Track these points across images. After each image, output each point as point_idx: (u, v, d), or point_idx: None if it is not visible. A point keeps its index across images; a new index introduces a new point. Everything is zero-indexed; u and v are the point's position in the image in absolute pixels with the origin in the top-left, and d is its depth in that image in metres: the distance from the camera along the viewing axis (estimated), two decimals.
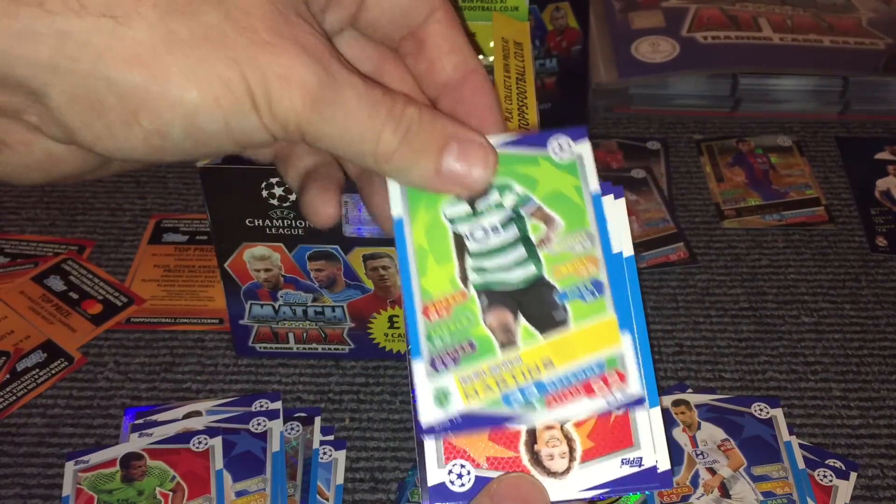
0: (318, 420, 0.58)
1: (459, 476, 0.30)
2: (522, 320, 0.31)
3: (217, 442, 0.55)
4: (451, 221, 0.31)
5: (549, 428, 0.30)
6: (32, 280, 0.67)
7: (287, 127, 0.27)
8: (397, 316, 0.59)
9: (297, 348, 0.62)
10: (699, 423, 0.57)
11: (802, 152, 0.80)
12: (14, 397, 0.60)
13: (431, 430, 0.30)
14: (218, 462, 0.54)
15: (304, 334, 0.61)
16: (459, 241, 0.31)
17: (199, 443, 0.55)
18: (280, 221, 0.55)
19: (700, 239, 0.72)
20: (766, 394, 0.61)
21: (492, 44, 0.58)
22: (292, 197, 0.54)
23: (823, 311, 0.66)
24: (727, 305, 0.67)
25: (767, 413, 0.58)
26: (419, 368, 0.30)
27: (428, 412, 0.30)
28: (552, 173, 0.31)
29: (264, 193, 0.54)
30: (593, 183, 0.31)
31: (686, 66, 0.82)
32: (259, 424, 0.57)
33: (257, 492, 0.53)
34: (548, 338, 0.31)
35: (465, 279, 0.31)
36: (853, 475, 0.55)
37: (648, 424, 0.30)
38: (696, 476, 0.54)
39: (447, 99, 0.32)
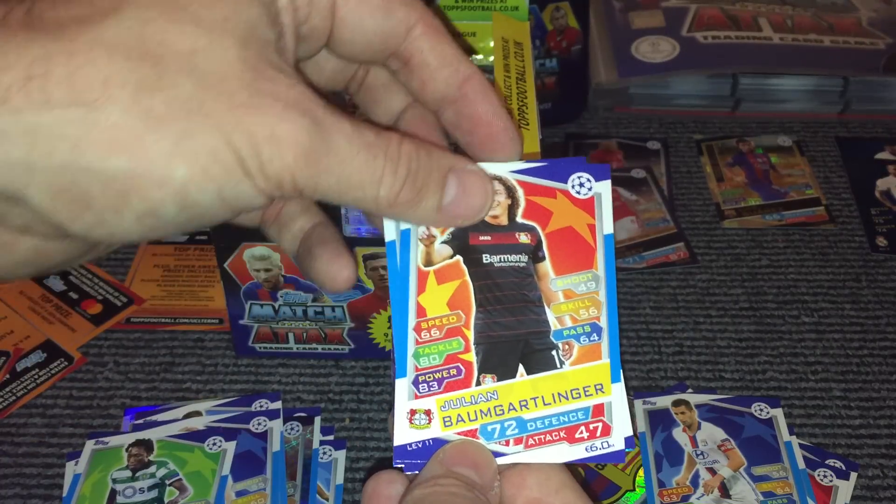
0: (317, 420, 0.58)
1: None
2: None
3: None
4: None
5: None
6: (32, 280, 0.67)
7: (282, 185, 0.26)
8: None
9: (297, 348, 0.62)
10: (699, 423, 0.57)
11: (802, 152, 0.80)
12: (14, 397, 0.60)
13: (404, 451, 0.29)
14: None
15: (304, 334, 0.61)
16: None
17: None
18: None
19: (700, 239, 0.72)
20: (767, 394, 0.61)
21: (492, 44, 0.58)
22: None
23: (823, 311, 0.66)
24: (727, 305, 0.67)
25: (767, 413, 0.58)
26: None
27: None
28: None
29: None
30: (608, 225, 0.31)
31: (686, 66, 0.82)
32: (259, 424, 0.57)
33: (257, 492, 0.53)
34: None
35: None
36: (853, 475, 0.55)
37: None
38: (696, 476, 0.54)
39: (448, 112, 0.31)
